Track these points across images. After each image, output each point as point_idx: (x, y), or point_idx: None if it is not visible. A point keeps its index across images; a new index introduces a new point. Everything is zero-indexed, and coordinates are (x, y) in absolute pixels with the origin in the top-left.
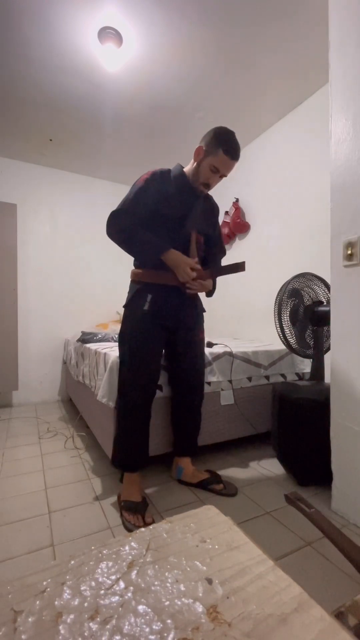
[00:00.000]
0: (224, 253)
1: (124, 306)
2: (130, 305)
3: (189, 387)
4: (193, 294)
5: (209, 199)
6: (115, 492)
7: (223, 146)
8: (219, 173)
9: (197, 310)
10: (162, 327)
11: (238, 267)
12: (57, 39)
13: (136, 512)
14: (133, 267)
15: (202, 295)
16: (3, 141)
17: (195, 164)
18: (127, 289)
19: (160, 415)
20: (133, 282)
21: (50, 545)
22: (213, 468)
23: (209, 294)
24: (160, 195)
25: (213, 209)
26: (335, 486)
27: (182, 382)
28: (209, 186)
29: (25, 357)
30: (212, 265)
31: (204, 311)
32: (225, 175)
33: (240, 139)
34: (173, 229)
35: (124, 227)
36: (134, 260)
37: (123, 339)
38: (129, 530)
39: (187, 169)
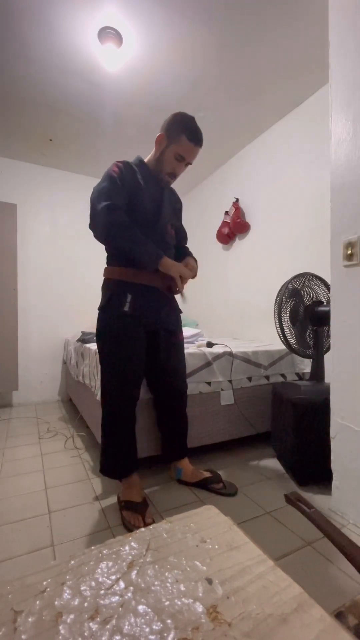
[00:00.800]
0: (186, 240)
1: (100, 308)
2: (108, 307)
3: (174, 391)
4: (171, 295)
5: (172, 190)
6: (115, 492)
7: (186, 133)
8: (185, 160)
9: (177, 311)
10: (143, 329)
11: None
12: (57, 39)
13: (136, 513)
14: (106, 265)
15: (206, 295)
16: (3, 141)
17: (157, 154)
18: None
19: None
20: (108, 280)
21: (50, 545)
22: (213, 468)
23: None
24: (133, 187)
25: (177, 199)
26: (335, 486)
27: (165, 385)
28: (175, 175)
29: (25, 357)
30: (186, 258)
31: (181, 312)
32: (191, 163)
33: (240, 139)
34: (147, 223)
35: (117, 222)
36: (108, 258)
37: (103, 344)
38: (129, 530)
39: (148, 159)
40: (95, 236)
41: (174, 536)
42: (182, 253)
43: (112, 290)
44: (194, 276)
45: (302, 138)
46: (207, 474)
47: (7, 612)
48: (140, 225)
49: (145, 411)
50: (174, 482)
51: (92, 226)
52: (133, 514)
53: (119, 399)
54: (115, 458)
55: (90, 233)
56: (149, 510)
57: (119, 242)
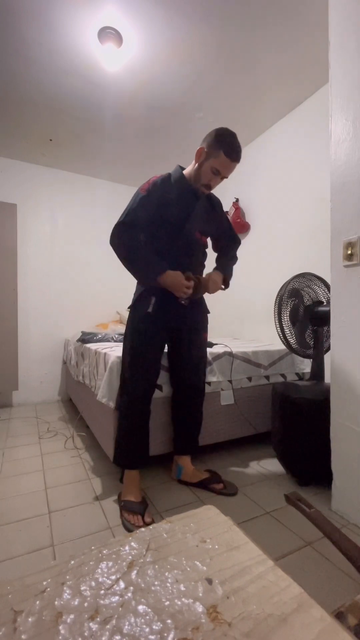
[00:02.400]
0: (237, 243)
1: (129, 307)
2: (135, 307)
3: (191, 387)
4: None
5: (210, 197)
6: (115, 492)
7: (224, 148)
8: (220, 175)
9: (202, 310)
10: (165, 328)
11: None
12: (57, 39)
13: (136, 512)
14: None
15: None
16: (3, 141)
17: (196, 165)
18: (128, 289)
19: (160, 416)
20: (139, 284)
21: (50, 545)
22: (213, 468)
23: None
24: (163, 202)
25: (214, 206)
26: (335, 486)
27: (184, 381)
28: (210, 187)
29: (25, 357)
30: (219, 269)
31: (208, 312)
32: (226, 177)
33: (240, 139)
34: (173, 233)
35: (127, 244)
36: None
37: (125, 340)
38: (129, 530)
39: (188, 170)
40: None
41: (174, 536)
42: (219, 264)
43: (140, 292)
44: (210, 292)
45: (302, 138)
46: (207, 474)
47: (7, 612)
48: (167, 235)
49: (153, 411)
50: (174, 482)
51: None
52: (132, 513)
53: (135, 391)
54: (128, 449)
55: (91, 233)
56: (149, 510)
57: (121, 259)
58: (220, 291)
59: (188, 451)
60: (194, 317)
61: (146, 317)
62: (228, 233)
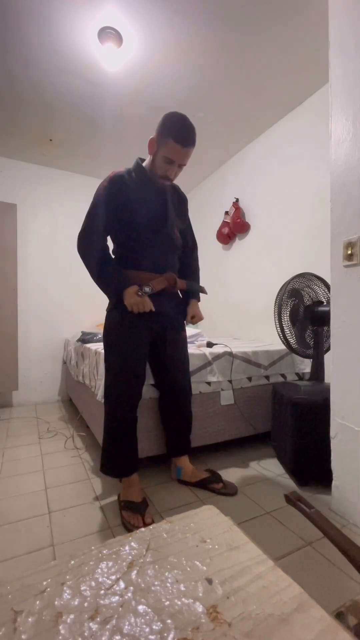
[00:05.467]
0: (196, 246)
1: (108, 310)
2: (115, 309)
3: (178, 388)
4: (175, 293)
5: (176, 189)
6: (115, 492)
7: (173, 134)
8: (175, 163)
9: (179, 310)
10: (147, 328)
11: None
12: (57, 39)
13: (135, 512)
14: None
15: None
16: (3, 141)
17: (151, 157)
18: None
19: (157, 416)
20: None
21: (50, 545)
22: (213, 468)
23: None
24: (124, 201)
25: (181, 200)
26: (335, 486)
27: (169, 382)
28: (168, 178)
29: (25, 357)
30: (193, 296)
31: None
32: (184, 164)
33: (240, 139)
34: (153, 230)
35: (88, 259)
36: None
37: (108, 345)
38: (129, 530)
39: (146, 163)
40: None
41: (174, 536)
42: (186, 267)
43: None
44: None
45: (302, 138)
46: (207, 474)
47: (7, 612)
48: (145, 233)
49: (147, 411)
50: (174, 482)
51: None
52: (132, 513)
53: (120, 398)
54: (116, 457)
55: None
56: (149, 510)
57: (89, 271)
58: (220, 291)
59: (183, 452)
60: (175, 315)
61: (129, 319)
62: (190, 233)
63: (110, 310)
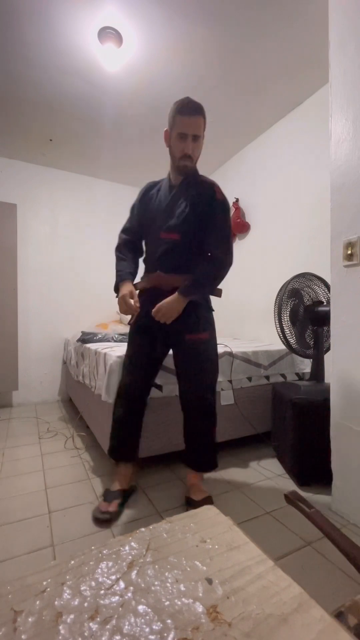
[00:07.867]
0: (221, 258)
1: None
2: None
3: (185, 399)
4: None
5: (192, 184)
6: None
7: (177, 111)
8: (187, 136)
9: (194, 310)
10: (152, 331)
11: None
12: (57, 39)
13: (105, 500)
14: None
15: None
16: (3, 141)
17: (168, 148)
18: None
19: (160, 416)
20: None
21: (50, 545)
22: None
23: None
24: (144, 205)
25: (202, 197)
26: (335, 486)
27: (180, 393)
28: (188, 156)
29: (25, 357)
30: (182, 290)
31: (213, 310)
32: (198, 135)
33: (240, 139)
34: (149, 235)
35: (117, 248)
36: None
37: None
38: (96, 519)
39: (169, 162)
40: None
41: (174, 536)
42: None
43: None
44: (161, 320)
45: (302, 138)
46: (204, 495)
47: (7, 612)
48: (146, 235)
49: (152, 411)
50: (174, 481)
51: None
52: (103, 501)
53: (122, 389)
54: (113, 440)
55: (90, 232)
56: (149, 510)
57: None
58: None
59: (188, 465)
60: (182, 318)
61: (135, 321)
62: (213, 241)
63: None
